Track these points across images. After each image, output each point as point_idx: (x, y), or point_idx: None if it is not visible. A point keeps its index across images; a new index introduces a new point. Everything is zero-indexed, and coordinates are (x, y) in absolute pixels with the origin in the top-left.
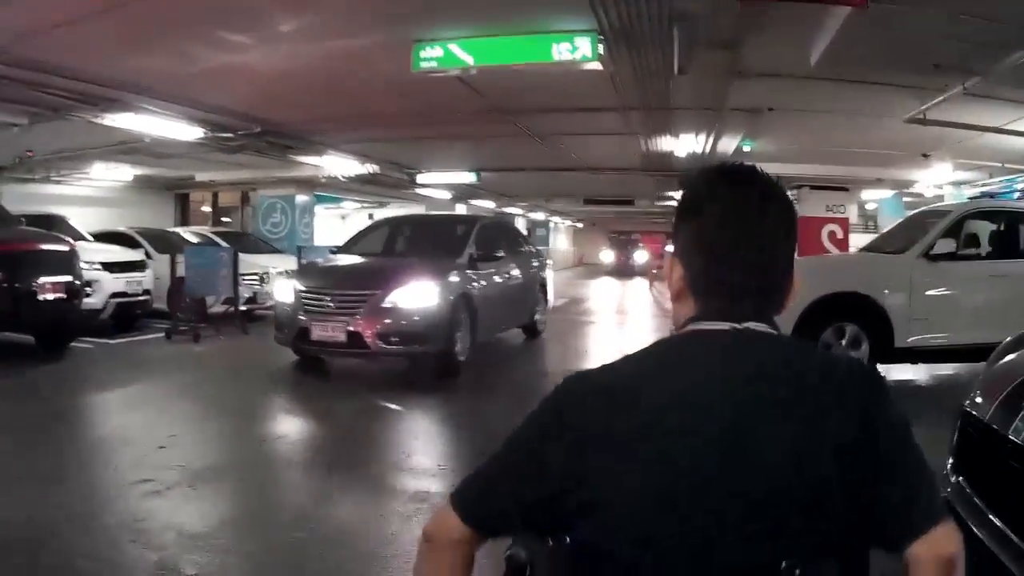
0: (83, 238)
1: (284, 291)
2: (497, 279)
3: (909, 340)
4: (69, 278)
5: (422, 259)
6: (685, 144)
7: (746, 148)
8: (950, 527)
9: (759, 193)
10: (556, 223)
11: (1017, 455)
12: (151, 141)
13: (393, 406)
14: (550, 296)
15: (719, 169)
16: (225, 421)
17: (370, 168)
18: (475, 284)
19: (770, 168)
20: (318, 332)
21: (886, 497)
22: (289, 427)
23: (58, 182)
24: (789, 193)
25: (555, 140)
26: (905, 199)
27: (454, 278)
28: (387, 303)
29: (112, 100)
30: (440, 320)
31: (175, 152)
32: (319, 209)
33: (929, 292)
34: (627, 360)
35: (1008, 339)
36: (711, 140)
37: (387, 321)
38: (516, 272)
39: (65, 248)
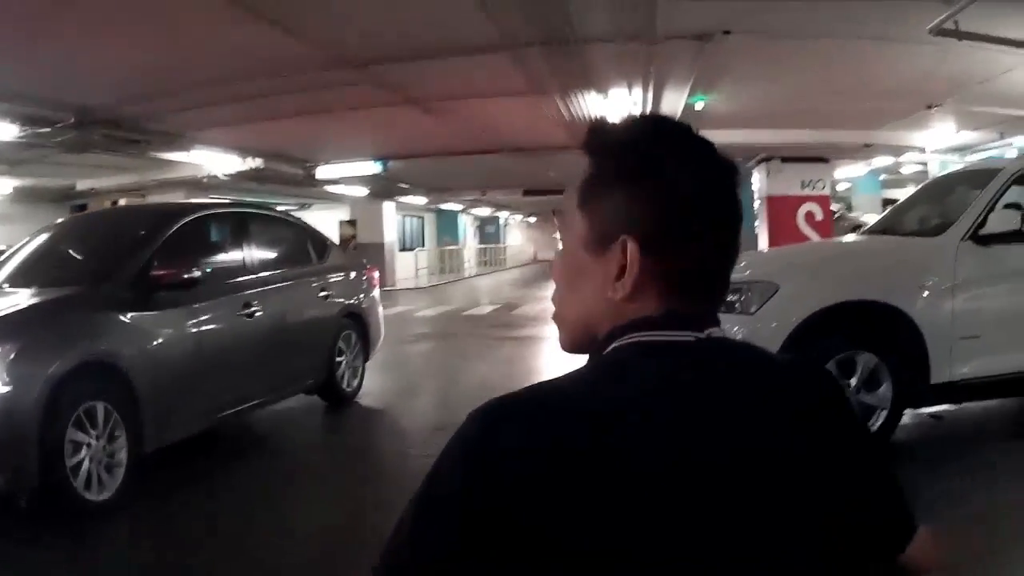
0: None
1: None
2: (215, 321)
3: (956, 371)
4: None
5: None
6: (617, 104)
7: (698, 105)
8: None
9: (716, 152)
10: (507, 219)
11: None
12: None
13: None
14: (379, 332)
15: (660, 117)
16: None
17: (253, 163)
18: (144, 336)
19: (730, 136)
20: None
21: (879, 507)
22: None
23: None
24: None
25: (443, 108)
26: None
27: (65, 335)
28: None
29: None
30: (7, 426)
31: (22, 158)
32: None
33: (983, 294)
34: (572, 386)
35: None
36: (650, 94)
37: None
38: (276, 300)
39: None
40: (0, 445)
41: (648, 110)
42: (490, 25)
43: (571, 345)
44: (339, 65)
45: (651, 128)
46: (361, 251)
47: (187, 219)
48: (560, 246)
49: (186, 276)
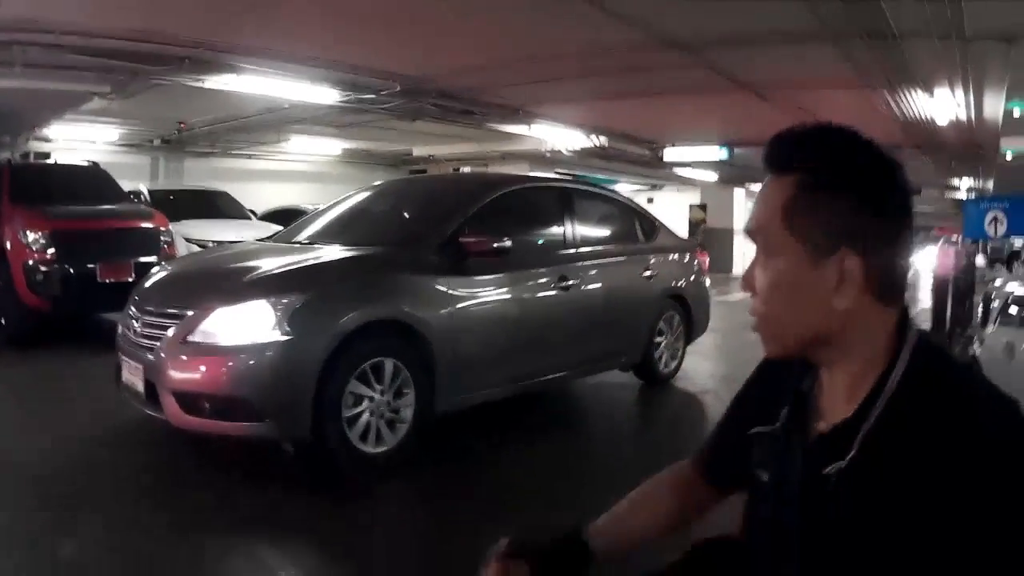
0: (244, 216)
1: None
2: (525, 291)
3: None
4: (139, 259)
5: (330, 251)
6: (943, 104)
7: (1016, 112)
8: None
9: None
10: None
11: None
12: (290, 106)
13: None
14: (705, 316)
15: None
16: None
17: (597, 141)
18: (446, 300)
19: None
20: (125, 372)
21: None
22: None
23: (250, 156)
24: None
25: (778, 97)
26: None
27: (360, 292)
28: (196, 336)
29: (202, 61)
30: (281, 374)
31: (353, 122)
32: None
33: None
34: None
35: None
36: (971, 96)
37: (188, 370)
38: (595, 276)
39: (141, 225)
40: (272, 391)
41: (971, 113)
42: (810, 14)
43: (786, 351)
44: (666, 47)
45: (894, 161)
46: (711, 236)
47: (505, 190)
48: (762, 262)
49: (495, 245)
